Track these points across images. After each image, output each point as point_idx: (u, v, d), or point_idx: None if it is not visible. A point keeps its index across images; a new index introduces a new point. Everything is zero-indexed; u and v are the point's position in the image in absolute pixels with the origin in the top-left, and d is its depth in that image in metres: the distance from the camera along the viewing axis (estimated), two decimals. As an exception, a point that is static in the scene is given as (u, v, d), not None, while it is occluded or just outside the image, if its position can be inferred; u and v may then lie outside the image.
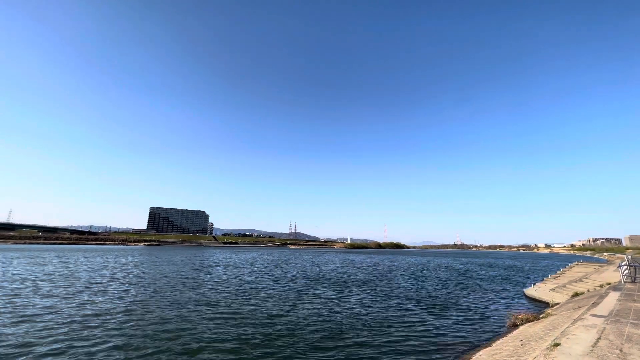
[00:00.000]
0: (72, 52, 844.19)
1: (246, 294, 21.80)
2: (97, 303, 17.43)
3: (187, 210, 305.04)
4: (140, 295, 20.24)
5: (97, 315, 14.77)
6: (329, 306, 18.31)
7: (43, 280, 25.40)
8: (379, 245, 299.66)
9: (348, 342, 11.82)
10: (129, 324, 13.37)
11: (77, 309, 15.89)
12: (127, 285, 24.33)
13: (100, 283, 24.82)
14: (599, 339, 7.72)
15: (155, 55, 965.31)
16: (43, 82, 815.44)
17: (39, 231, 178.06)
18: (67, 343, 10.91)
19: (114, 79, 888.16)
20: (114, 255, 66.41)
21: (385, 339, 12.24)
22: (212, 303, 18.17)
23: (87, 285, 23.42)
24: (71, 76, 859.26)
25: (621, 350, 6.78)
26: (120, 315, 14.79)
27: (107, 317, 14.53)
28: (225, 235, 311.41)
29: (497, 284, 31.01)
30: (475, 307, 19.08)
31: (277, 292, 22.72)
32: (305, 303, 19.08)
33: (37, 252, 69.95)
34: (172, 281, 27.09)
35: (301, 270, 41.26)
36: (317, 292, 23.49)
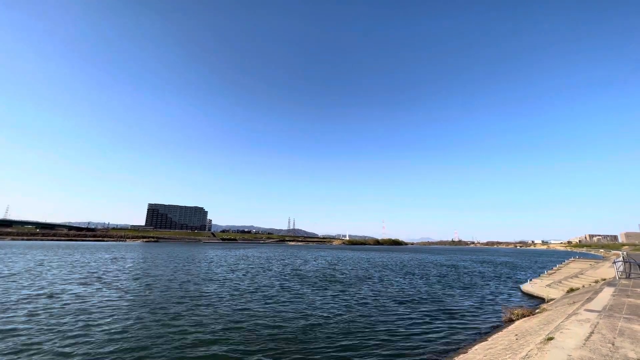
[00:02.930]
0: (70, 49, 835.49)
1: (218, 292, 20.47)
2: (35, 308, 15.04)
3: (186, 207, 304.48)
4: (93, 295, 18.61)
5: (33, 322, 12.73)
6: (311, 306, 17.10)
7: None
8: (377, 242, 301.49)
9: (330, 346, 11.00)
10: (62, 327, 12.07)
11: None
12: (85, 286, 21.92)
13: (54, 284, 22.20)
14: (591, 333, 7.84)
15: (154, 53, 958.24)
16: (41, 78, 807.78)
17: (36, 227, 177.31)
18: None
19: (112, 75, 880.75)
20: (104, 252, 64.73)
21: (376, 336, 12.32)
22: (167, 305, 16.34)
23: (39, 287, 20.88)
24: (70, 72, 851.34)
25: (613, 344, 6.89)
26: (62, 319, 13.26)
27: (47, 319, 13.16)
28: (223, 231, 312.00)
29: (494, 280, 31.29)
30: (471, 302, 19.26)
31: (250, 291, 21.50)
32: (282, 302, 17.87)
33: (24, 248, 68.16)
34: (140, 280, 25.24)
35: (288, 267, 41.19)
36: (299, 291, 21.95)
